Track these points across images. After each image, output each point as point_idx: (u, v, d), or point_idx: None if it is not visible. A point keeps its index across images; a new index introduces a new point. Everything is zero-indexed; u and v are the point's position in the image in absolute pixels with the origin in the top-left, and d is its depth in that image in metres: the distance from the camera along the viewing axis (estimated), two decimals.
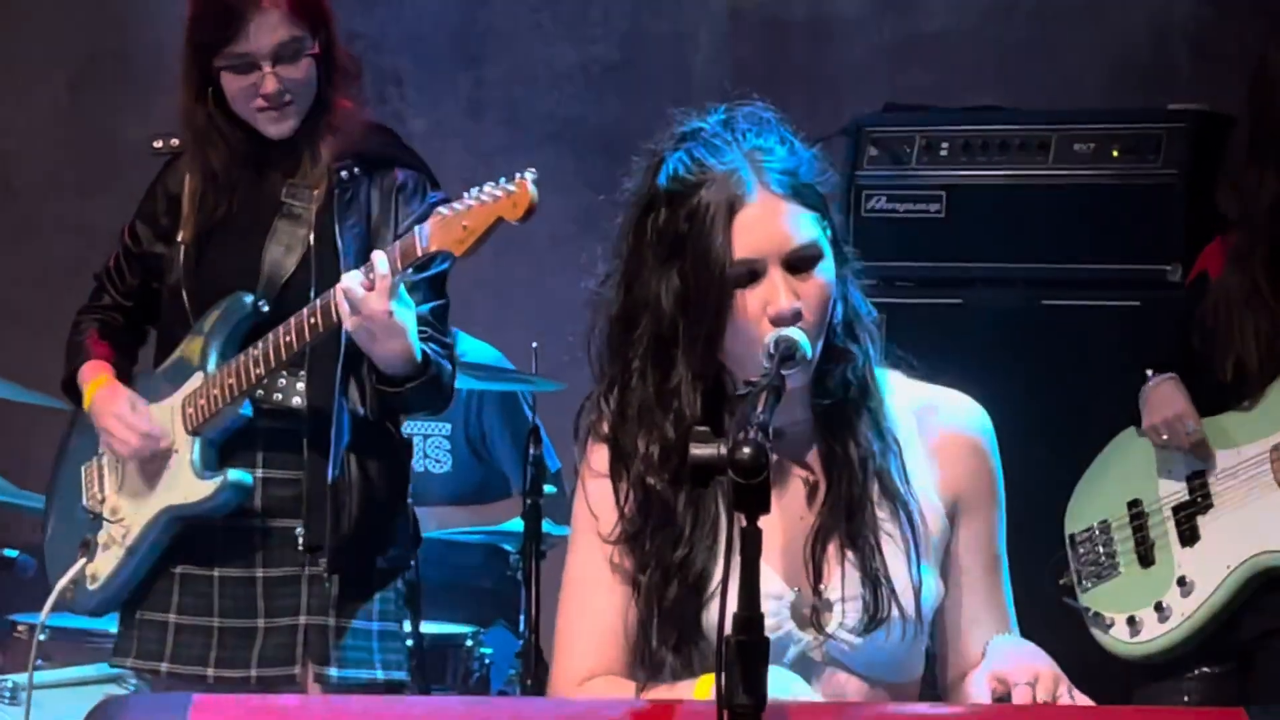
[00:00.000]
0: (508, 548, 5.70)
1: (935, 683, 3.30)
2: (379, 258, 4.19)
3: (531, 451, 5.38)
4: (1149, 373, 4.64)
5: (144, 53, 7.18)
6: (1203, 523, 4.57)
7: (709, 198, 3.09)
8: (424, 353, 4.30)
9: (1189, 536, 4.59)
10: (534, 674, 5.43)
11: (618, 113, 6.52)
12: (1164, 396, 4.59)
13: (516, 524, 5.48)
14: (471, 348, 5.84)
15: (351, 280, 4.19)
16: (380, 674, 4.47)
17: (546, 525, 5.39)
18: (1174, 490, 4.64)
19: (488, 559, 5.90)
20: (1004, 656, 3.05)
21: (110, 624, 4.87)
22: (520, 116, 6.57)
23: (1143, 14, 6.15)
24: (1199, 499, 4.58)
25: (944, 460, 3.24)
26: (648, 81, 6.60)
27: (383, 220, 4.47)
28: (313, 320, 4.31)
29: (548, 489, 5.41)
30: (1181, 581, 4.58)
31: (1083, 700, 2.95)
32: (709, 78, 6.45)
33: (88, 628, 5.66)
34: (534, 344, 5.55)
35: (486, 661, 5.61)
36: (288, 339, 4.34)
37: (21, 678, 5.33)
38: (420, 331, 4.38)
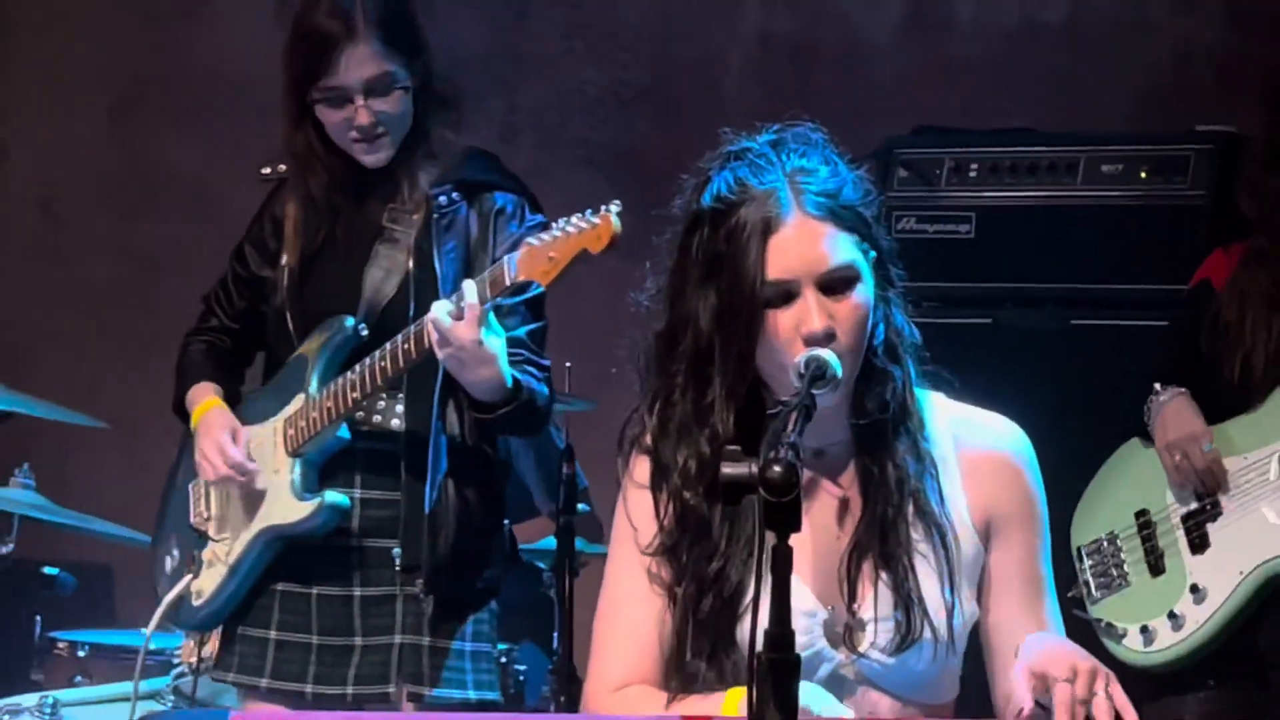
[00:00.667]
0: (540, 565, 5.69)
1: (969, 704, 3.25)
2: (468, 287, 4.18)
3: (564, 470, 5.37)
4: (1157, 386, 4.63)
5: (181, 81, 7.22)
6: (1212, 530, 4.57)
7: (747, 217, 3.07)
8: (515, 379, 4.28)
9: (1199, 544, 4.58)
10: (567, 691, 5.42)
11: (648, 136, 6.52)
12: (1177, 414, 4.58)
13: (549, 542, 5.47)
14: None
15: (440, 310, 4.17)
16: (473, 694, 4.47)
17: (579, 543, 5.38)
18: (1182, 498, 4.63)
19: (519, 576, 5.90)
20: (1039, 652, 2.99)
21: (156, 641, 4.86)
22: (552, 140, 6.57)
23: (1167, 38, 6.16)
24: (1208, 506, 4.57)
25: (979, 480, 3.21)
26: (677, 105, 6.61)
27: (481, 244, 4.47)
28: (406, 346, 4.30)
29: (581, 508, 5.40)
30: (1194, 589, 4.57)
31: (1122, 697, 2.91)
32: (739, 102, 6.45)
33: (126, 644, 5.67)
34: (567, 364, 5.53)
35: (521, 678, 5.60)
36: (383, 364, 4.35)
37: (62, 694, 5.35)
38: (516, 355, 4.39)
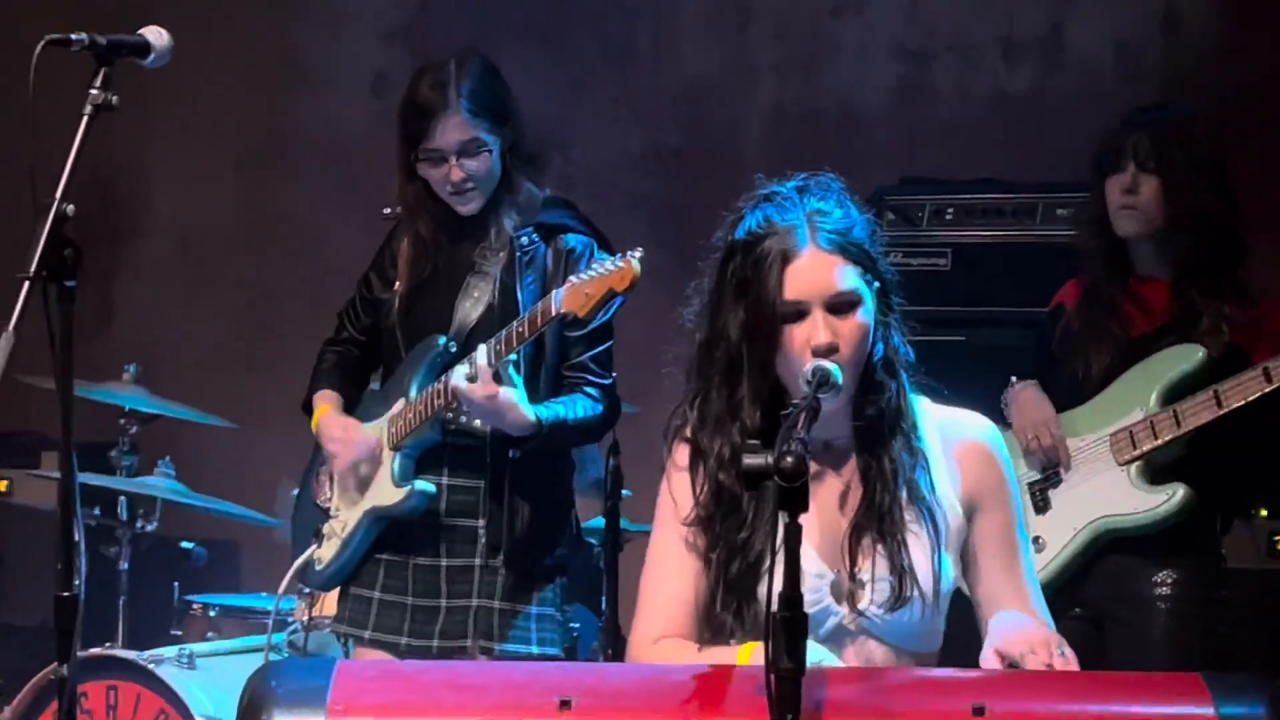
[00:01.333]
0: (591, 540, 5.69)
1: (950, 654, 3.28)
2: (480, 352, 4.23)
3: (611, 462, 5.38)
4: (1013, 379, 4.65)
5: (296, 140, 7.21)
6: (1053, 495, 4.56)
7: (770, 247, 3.13)
8: (539, 417, 4.30)
9: (1042, 505, 4.57)
10: (614, 645, 5.43)
11: (682, 188, 6.51)
12: (1030, 401, 4.60)
13: (598, 521, 5.48)
14: None
15: (457, 375, 4.24)
16: (535, 649, 4.48)
17: (623, 523, 5.40)
18: (1030, 468, 4.60)
19: (573, 549, 5.90)
20: (1003, 632, 3.04)
21: (265, 602, 4.87)
22: (603, 191, 6.55)
23: (1112, 105, 6.05)
24: (1050, 475, 4.57)
25: (962, 466, 3.26)
26: (707, 162, 6.59)
27: (554, 278, 4.43)
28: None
29: (625, 492, 5.42)
30: (1035, 540, 4.53)
31: (1071, 656, 2.95)
32: (758, 159, 6.39)
33: (249, 606, 5.73)
34: (613, 375, 5.55)
35: (575, 635, 5.61)
36: None
37: (197, 646, 5.37)
38: (579, 378, 4.46)
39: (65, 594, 3.41)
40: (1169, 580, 4.42)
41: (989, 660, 3.01)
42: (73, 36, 3.44)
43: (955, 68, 6.40)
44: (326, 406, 4.63)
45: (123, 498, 5.56)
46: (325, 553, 4.62)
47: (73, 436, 3.41)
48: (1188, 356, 4.42)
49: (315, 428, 4.62)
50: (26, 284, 3.29)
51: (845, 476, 3.23)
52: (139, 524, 5.59)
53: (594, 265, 4.21)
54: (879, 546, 3.16)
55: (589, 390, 4.48)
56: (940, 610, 3.20)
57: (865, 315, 3.15)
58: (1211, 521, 4.54)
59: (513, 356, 4.28)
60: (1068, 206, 5.23)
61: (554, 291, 4.22)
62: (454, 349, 4.46)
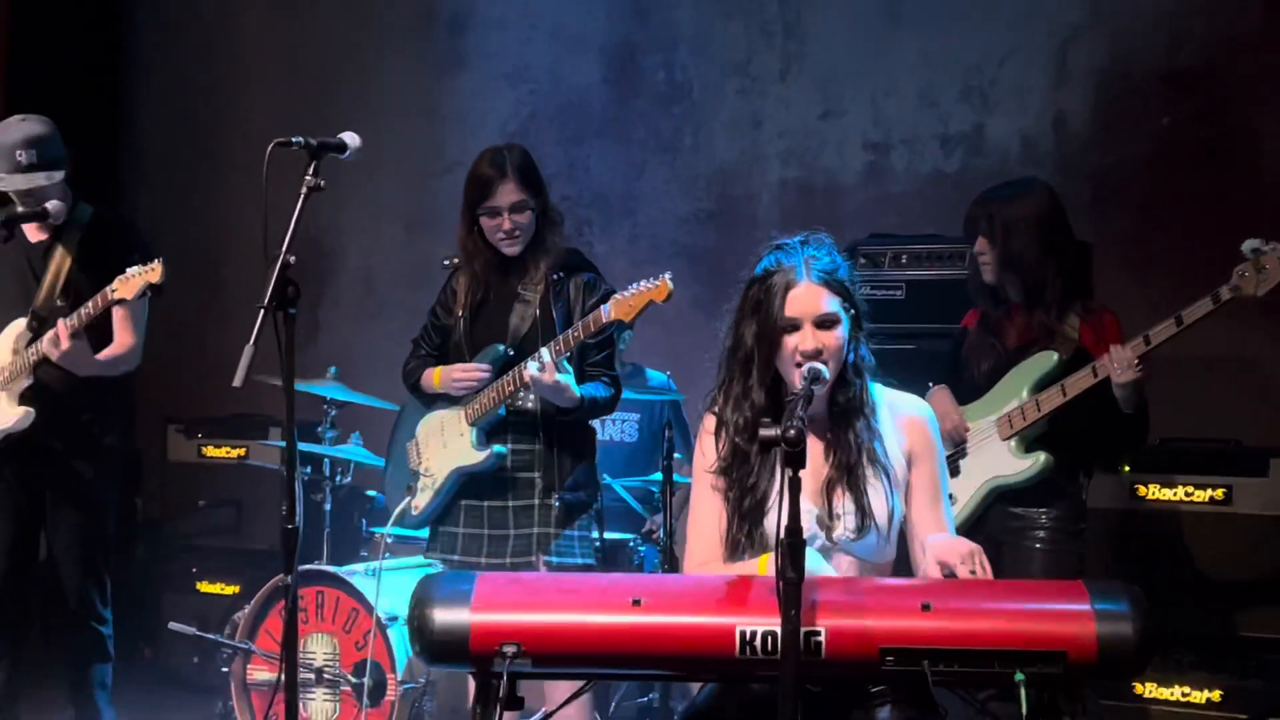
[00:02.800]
0: (653, 489, 5.68)
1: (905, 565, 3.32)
2: (544, 351, 4.27)
3: (667, 434, 5.37)
4: (930, 384, 4.61)
5: (441, 208, 7.17)
6: (961, 463, 4.51)
7: (776, 280, 3.17)
8: (581, 396, 4.33)
9: (953, 472, 4.49)
10: (670, 563, 5.43)
11: (715, 241, 6.50)
12: (942, 399, 4.56)
13: (657, 475, 5.47)
14: (652, 375, 5.85)
15: (530, 367, 4.26)
16: (580, 559, 4.45)
17: (675, 477, 5.40)
18: (946, 445, 4.50)
19: (642, 496, 5.89)
20: (941, 547, 3.06)
21: (422, 534, 4.90)
22: (659, 243, 6.56)
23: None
24: (960, 450, 4.52)
25: (904, 432, 3.28)
26: (731, 222, 6.57)
27: (576, 301, 4.46)
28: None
29: (677, 455, 5.40)
30: (950, 497, 4.46)
31: (989, 567, 2.97)
32: (767, 220, 6.41)
33: (411, 536, 5.71)
34: (668, 372, 5.57)
35: (641, 556, 5.60)
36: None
37: (378, 563, 5.39)
38: (598, 371, 4.47)
39: (288, 527, 3.45)
40: (1041, 518, 4.40)
41: (932, 567, 3.04)
42: (293, 140, 3.49)
43: (906, 155, 6.38)
44: (438, 369, 4.61)
45: (326, 460, 5.60)
46: (420, 500, 4.61)
47: (293, 417, 3.46)
48: (1046, 361, 4.40)
49: (437, 382, 4.59)
50: (261, 312, 3.34)
51: (824, 443, 3.24)
52: (337, 478, 5.63)
53: (634, 285, 4.22)
54: (848, 492, 3.20)
55: (604, 380, 4.49)
56: (892, 538, 3.23)
57: (843, 332, 3.19)
58: (1073, 474, 4.49)
59: (566, 354, 4.31)
60: None
61: (603, 306, 4.25)
62: (510, 353, 4.47)
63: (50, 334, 4.79)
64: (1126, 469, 5.08)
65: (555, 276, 4.48)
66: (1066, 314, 4.42)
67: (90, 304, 4.79)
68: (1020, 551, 4.39)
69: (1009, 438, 4.42)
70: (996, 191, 4.54)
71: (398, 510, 4.67)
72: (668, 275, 4.16)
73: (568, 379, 4.28)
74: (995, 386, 4.48)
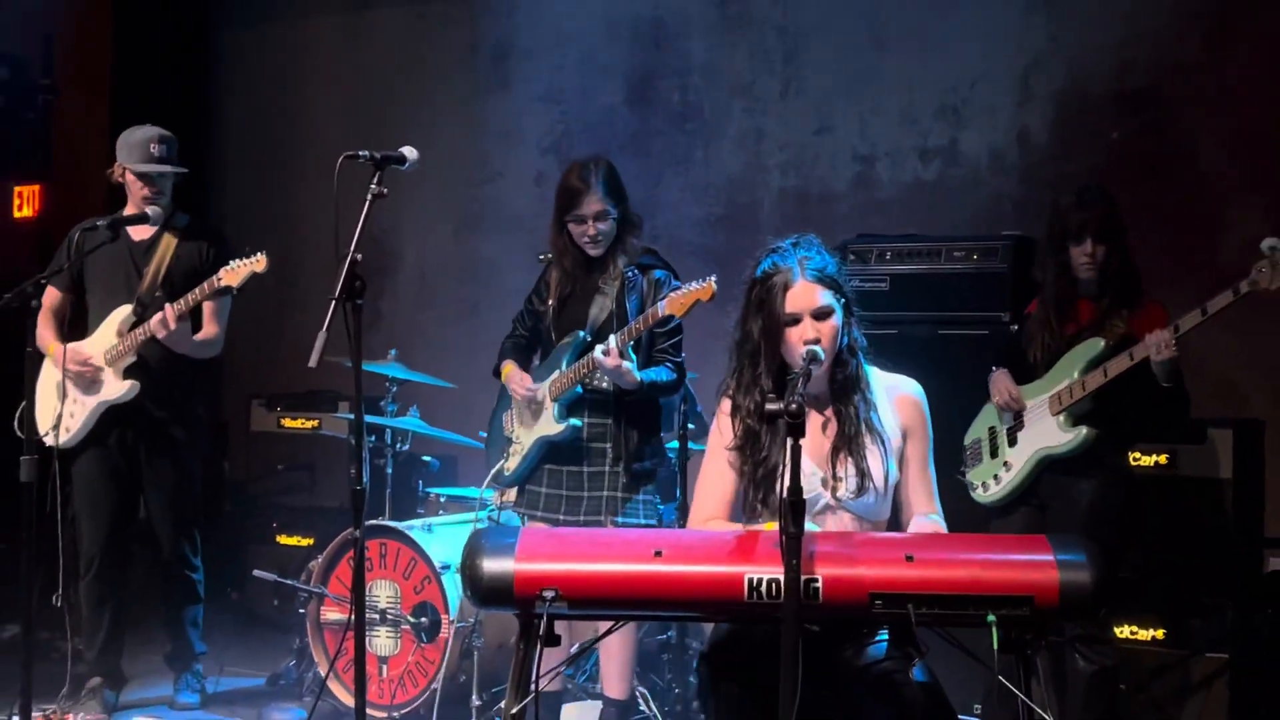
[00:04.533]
0: (670, 455, 5.67)
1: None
2: (611, 339, 4.26)
3: (683, 407, 5.35)
4: (994, 367, 4.61)
5: (486, 212, 7.24)
6: (1018, 435, 4.51)
7: (776, 280, 3.16)
8: (642, 380, 4.33)
9: (1013, 442, 4.52)
10: (685, 520, 5.42)
11: (724, 243, 6.49)
12: (1003, 380, 4.56)
13: (673, 443, 5.47)
14: None
15: (598, 353, 4.26)
16: (643, 520, 4.47)
17: (690, 444, 5.38)
18: (1005, 422, 4.58)
19: (662, 459, 5.87)
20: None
21: (474, 493, 4.91)
22: (676, 244, 6.53)
23: (989, 189, 6.08)
24: (1018, 424, 4.52)
25: (899, 410, 3.27)
26: (739, 225, 6.55)
27: (649, 296, 4.45)
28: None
29: (690, 425, 5.39)
30: (1006, 464, 4.53)
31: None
32: (769, 224, 6.41)
33: (464, 495, 5.70)
34: (682, 355, 5.54)
35: (660, 512, 5.59)
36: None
37: (434, 519, 5.39)
38: (663, 357, 4.45)
39: (356, 488, 3.46)
40: (1087, 485, 4.39)
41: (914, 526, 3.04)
42: (360, 154, 3.49)
43: (890, 166, 6.36)
44: (510, 367, 4.64)
45: (389, 430, 5.59)
46: (510, 464, 4.64)
47: (361, 393, 3.47)
48: (1094, 346, 4.38)
49: (504, 378, 4.62)
50: (333, 303, 3.35)
51: (827, 415, 3.24)
52: (398, 446, 5.62)
53: (685, 285, 4.22)
54: (849, 458, 3.19)
55: (668, 365, 4.48)
56: (887, 498, 3.23)
57: (836, 320, 3.18)
58: (1117, 448, 4.49)
59: (631, 342, 4.29)
60: (962, 251, 5.15)
61: (659, 302, 4.25)
62: (589, 339, 4.47)
63: (159, 316, 4.92)
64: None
65: (630, 274, 4.48)
66: (1116, 309, 4.41)
67: (197, 290, 4.92)
68: (1066, 512, 4.38)
69: (1058, 413, 4.40)
70: (1094, 197, 4.46)
71: (494, 470, 4.71)
72: (713, 278, 4.16)
73: (630, 365, 4.27)
74: (1051, 369, 4.47)
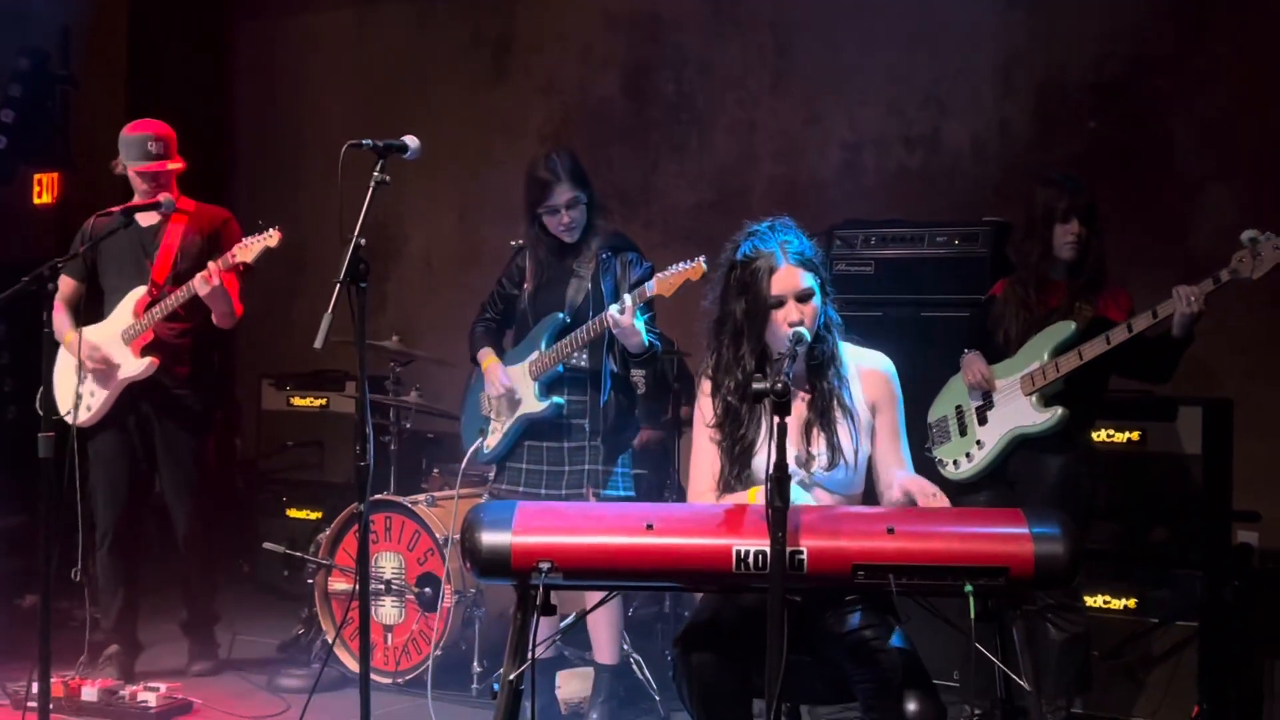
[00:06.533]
0: (663, 433, 5.67)
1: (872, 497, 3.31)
2: (627, 298, 4.23)
3: (675, 386, 5.36)
4: (965, 349, 4.60)
5: (489, 199, 7.22)
6: (989, 414, 4.49)
7: (760, 265, 3.14)
8: (650, 342, 4.31)
9: (983, 420, 4.50)
10: (679, 493, 5.44)
11: (715, 226, 6.34)
12: (974, 361, 4.54)
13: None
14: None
15: (614, 309, 4.23)
16: (622, 491, 4.47)
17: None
18: (974, 399, 4.56)
19: (636, 433, 5.87)
20: (904, 482, 3.06)
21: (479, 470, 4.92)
22: (670, 228, 6.54)
23: (971, 177, 6.08)
24: (988, 403, 4.51)
25: (868, 385, 3.26)
26: (729, 210, 6.47)
27: (623, 278, 4.45)
28: (591, 329, 4.37)
29: (684, 404, 5.39)
30: (978, 442, 4.52)
31: (944, 498, 2.98)
32: (760, 207, 6.27)
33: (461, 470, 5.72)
34: (675, 336, 5.55)
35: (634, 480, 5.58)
36: (581, 336, 4.40)
37: (437, 493, 5.40)
38: (652, 330, 4.41)
39: (361, 464, 3.46)
40: (1057, 462, 4.38)
41: (896, 491, 3.05)
42: (363, 142, 3.48)
43: (876, 154, 6.35)
44: (491, 358, 4.63)
45: (393, 408, 5.59)
46: (491, 441, 4.63)
47: (366, 373, 3.46)
48: (1065, 329, 4.37)
49: (485, 370, 4.61)
50: (338, 286, 3.35)
51: (802, 393, 3.23)
52: (402, 423, 5.62)
53: (674, 266, 4.20)
54: (822, 434, 3.18)
55: (654, 336, 4.44)
56: (859, 471, 3.22)
57: (816, 302, 3.18)
58: (1083, 425, 4.48)
59: (640, 304, 4.26)
60: (944, 236, 5.13)
61: (648, 283, 4.23)
62: (568, 320, 4.47)
63: (202, 273, 4.93)
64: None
65: (604, 255, 4.48)
66: (1088, 290, 4.40)
67: (223, 259, 4.92)
68: (1037, 488, 4.37)
69: (1031, 393, 4.39)
70: (1077, 183, 4.44)
71: (472, 448, 4.68)
72: (701, 259, 4.14)
73: (640, 325, 4.25)
74: (1022, 349, 4.45)
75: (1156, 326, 4.23)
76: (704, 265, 4.12)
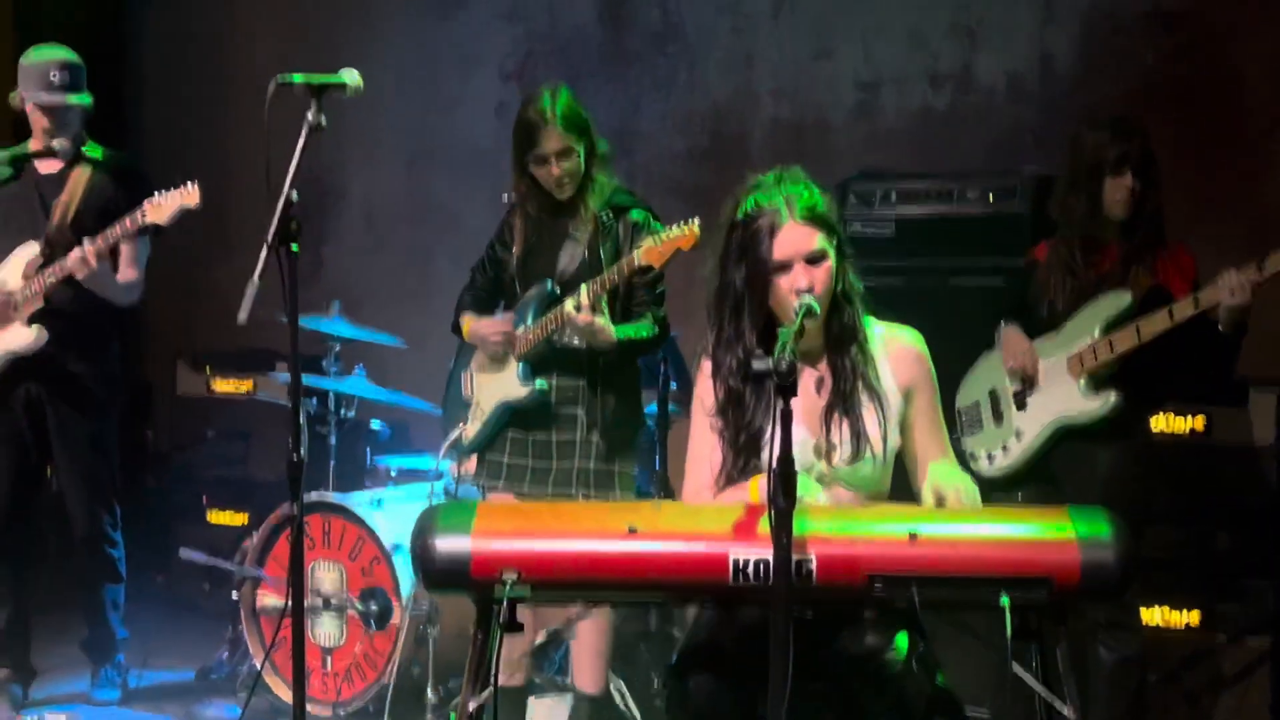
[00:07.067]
0: (649, 421, 5.67)
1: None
2: (582, 291, 4.24)
3: (662, 369, 5.36)
4: (1002, 322, 4.61)
5: (442, 146, 7.21)
6: (1029, 399, 4.51)
7: (762, 224, 3.13)
8: (619, 339, 4.30)
9: (1021, 406, 4.52)
10: (665, 490, 5.44)
11: (709, 178, 6.45)
12: (1014, 337, 4.55)
13: (653, 407, 5.47)
14: None
15: (569, 305, 4.25)
16: (619, 496, 4.46)
17: (670, 407, 5.39)
18: (1013, 382, 4.57)
19: (642, 426, 5.88)
20: (938, 476, 3.06)
21: (428, 463, 4.90)
22: (655, 180, 6.52)
23: (1006, 118, 6.07)
24: (1028, 387, 4.53)
25: (900, 365, 3.26)
26: (725, 159, 6.53)
27: (625, 241, 4.43)
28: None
29: (672, 385, 5.40)
30: (1017, 433, 4.54)
31: (978, 498, 2.98)
32: (759, 157, 6.38)
33: (416, 467, 5.68)
34: (665, 309, 5.53)
35: (636, 485, 5.58)
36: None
37: (383, 493, 5.40)
38: (643, 311, 4.43)
39: (294, 459, 3.46)
40: (1108, 455, 4.39)
41: (928, 495, 3.04)
42: (294, 78, 3.46)
43: (896, 93, 6.35)
44: (471, 319, 4.62)
45: (331, 394, 5.58)
46: (470, 430, 4.63)
47: (298, 353, 3.45)
48: (1119, 301, 4.37)
49: (468, 334, 4.61)
50: (265, 248, 3.34)
51: (820, 372, 3.23)
52: (342, 411, 5.61)
53: (663, 230, 4.19)
54: (844, 420, 3.18)
55: (648, 321, 4.46)
56: (887, 464, 3.22)
57: (830, 264, 3.17)
58: (1140, 413, 4.50)
59: (604, 295, 4.28)
60: (976, 190, 5.14)
61: (635, 250, 4.22)
62: (557, 291, 4.45)
63: (77, 253, 4.91)
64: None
65: (604, 216, 4.46)
66: (1144, 252, 4.40)
67: (119, 225, 4.89)
68: (1084, 488, 4.34)
69: (1080, 376, 4.40)
70: (1131, 129, 4.43)
71: (451, 438, 4.70)
72: (696, 221, 4.13)
73: (604, 321, 4.26)
74: (1068, 323, 4.46)
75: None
76: (698, 229, 4.11)
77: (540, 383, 4.47)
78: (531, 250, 4.55)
